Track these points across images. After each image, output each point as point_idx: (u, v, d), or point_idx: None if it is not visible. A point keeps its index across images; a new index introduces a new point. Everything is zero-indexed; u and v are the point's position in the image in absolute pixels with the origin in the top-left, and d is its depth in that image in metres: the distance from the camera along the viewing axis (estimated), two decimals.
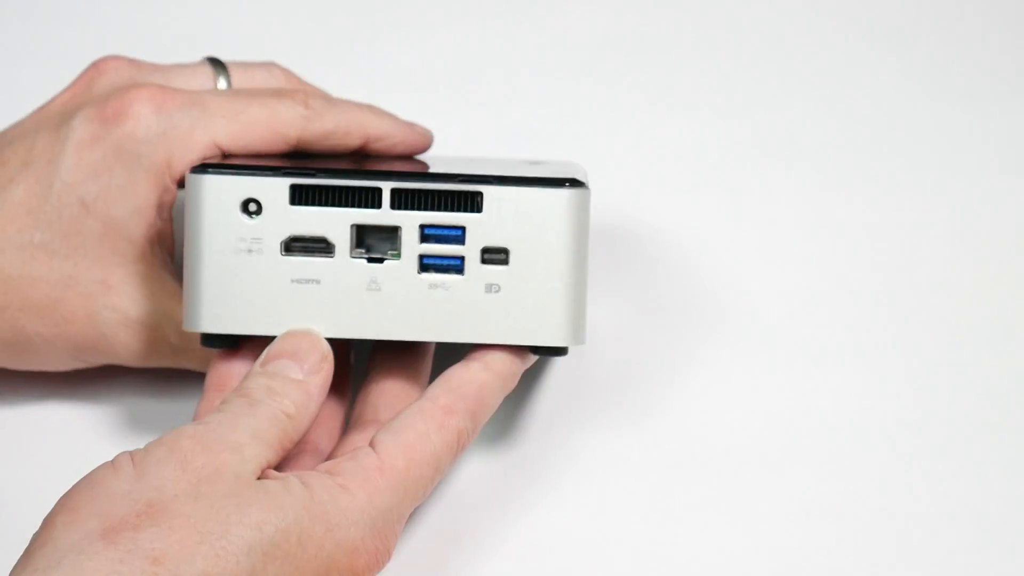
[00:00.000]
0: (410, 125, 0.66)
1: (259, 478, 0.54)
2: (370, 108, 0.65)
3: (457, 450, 0.58)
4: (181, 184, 0.63)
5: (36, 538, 0.51)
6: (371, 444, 0.56)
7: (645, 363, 0.68)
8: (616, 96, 0.72)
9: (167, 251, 0.65)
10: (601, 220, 0.67)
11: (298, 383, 0.57)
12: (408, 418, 0.57)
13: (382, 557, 0.55)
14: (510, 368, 0.59)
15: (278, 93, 0.64)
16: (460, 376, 0.58)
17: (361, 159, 0.65)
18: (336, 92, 0.68)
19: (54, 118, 0.64)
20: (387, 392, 0.62)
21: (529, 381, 0.67)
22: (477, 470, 0.65)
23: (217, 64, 0.67)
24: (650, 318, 0.68)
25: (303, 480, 0.54)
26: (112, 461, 0.53)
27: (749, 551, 0.64)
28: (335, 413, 0.62)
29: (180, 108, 0.63)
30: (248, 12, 0.74)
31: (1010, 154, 0.70)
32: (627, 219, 0.69)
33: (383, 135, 0.65)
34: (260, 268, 0.58)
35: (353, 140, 0.65)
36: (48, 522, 0.51)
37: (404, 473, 0.56)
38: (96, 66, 0.66)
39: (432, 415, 0.57)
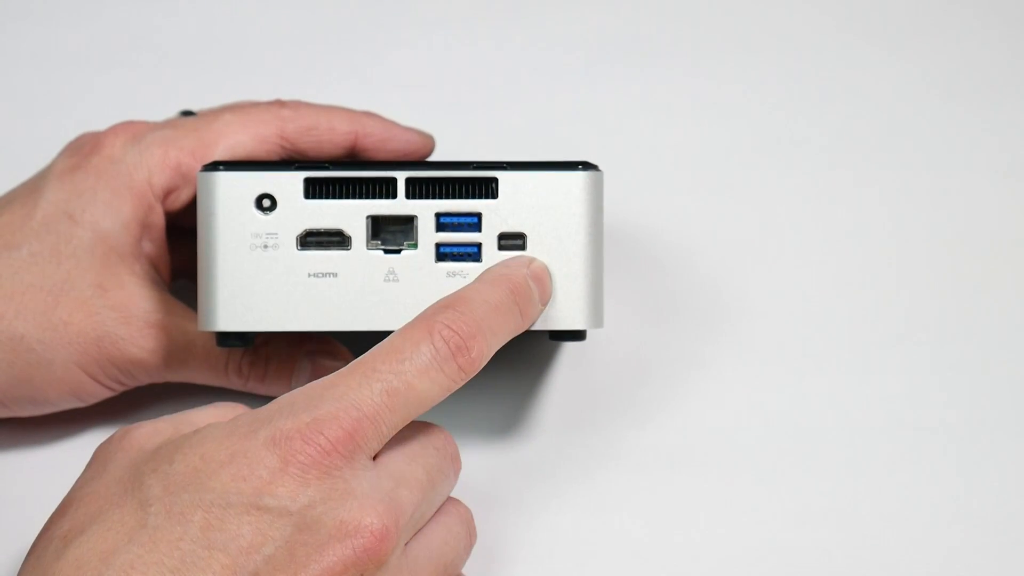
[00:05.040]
0: (407, 128, 0.66)
1: None
2: (363, 111, 0.65)
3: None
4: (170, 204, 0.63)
5: None
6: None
7: (647, 363, 0.68)
8: (617, 98, 0.72)
9: (163, 276, 0.64)
10: (604, 221, 0.67)
11: None
12: None
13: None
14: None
15: (253, 101, 0.65)
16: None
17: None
18: (336, 97, 0.68)
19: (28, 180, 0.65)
20: None
21: (532, 381, 0.67)
22: (478, 469, 0.65)
23: (190, 114, 0.67)
24: (652, 318, 0.68)
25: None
26: None
27: (750, 550, 0.64)
28: None
29: (152, 131, 0.63)
30: (248, 15, 0.74)
31: (1011, 154, 0.71)
32: (628, 220, 0.70)
33: (374, 131, 0.65)
34: (276, 264, 0.58)
35: (340, 136, 0.64)
36: None
37: None
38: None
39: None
